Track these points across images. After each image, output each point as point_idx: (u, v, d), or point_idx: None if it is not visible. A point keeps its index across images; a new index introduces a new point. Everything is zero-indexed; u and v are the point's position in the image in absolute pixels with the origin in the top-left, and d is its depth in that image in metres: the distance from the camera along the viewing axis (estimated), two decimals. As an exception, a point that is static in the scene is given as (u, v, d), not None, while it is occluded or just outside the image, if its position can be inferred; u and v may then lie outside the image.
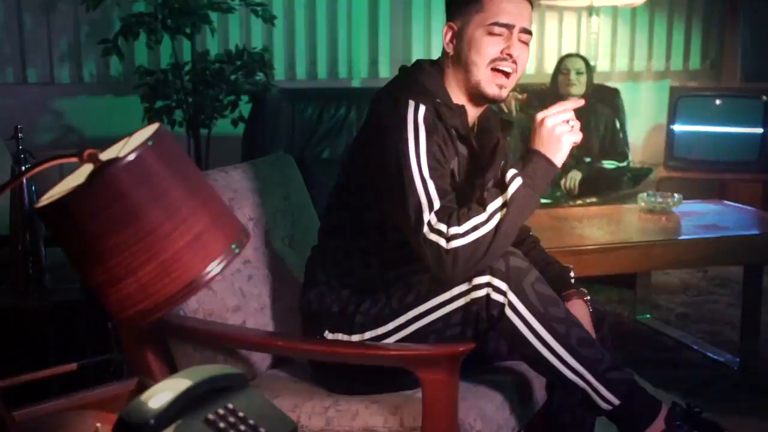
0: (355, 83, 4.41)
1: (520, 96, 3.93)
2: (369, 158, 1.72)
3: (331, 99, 3.93)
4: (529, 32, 1.75)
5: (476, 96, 1.76)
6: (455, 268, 1.61)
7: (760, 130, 4.28)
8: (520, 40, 1.73)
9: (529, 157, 1.67)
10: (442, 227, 1.61)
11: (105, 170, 1.11)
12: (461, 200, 1.69)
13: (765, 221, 3.21)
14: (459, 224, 1.61)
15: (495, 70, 1.72)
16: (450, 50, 1.76)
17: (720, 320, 3.50)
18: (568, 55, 4.10)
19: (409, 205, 1.63)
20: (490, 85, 1.73)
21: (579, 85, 3.96)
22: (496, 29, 1.71)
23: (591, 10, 4.45)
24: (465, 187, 1.77)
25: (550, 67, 4.53)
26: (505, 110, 3.92)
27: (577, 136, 1.66)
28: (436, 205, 1.62)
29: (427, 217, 1.62)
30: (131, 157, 1.12)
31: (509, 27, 1.72)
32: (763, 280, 3.07)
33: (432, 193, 1.63)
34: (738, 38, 4.82)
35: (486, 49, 1.71)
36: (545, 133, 1.66)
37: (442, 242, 1.60)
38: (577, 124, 1.67)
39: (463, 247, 1.60)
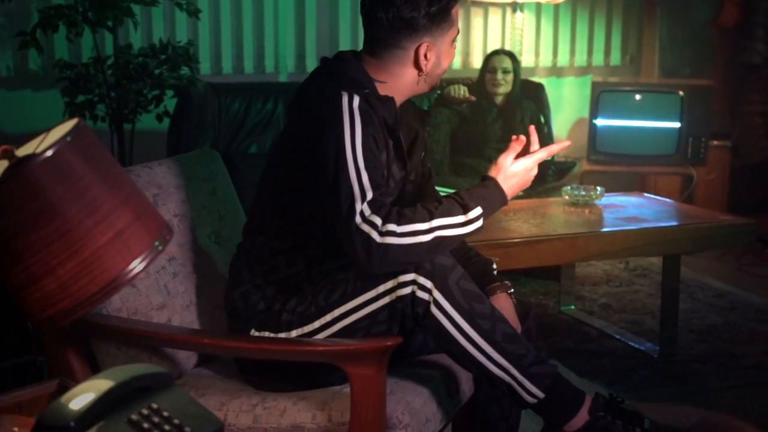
0: (282, 78, 4.38)
1: (472, 98, 3.97)
2: (303, 153, 1.71)
3: (258, 93, 3.90)
4: None
5: (423, 93, 1.84)
6: (382, 263, 1.62)
7: (677, 125, 4.42)
8: None
9: (494, 197, 1.74)
10: (377, 220, 1.62)
11: (21, 167, 1.08)
12: (384, 193, 1.70)
13: (683, 213, 3.32)
14: (398, 223, 1.62)
15: None
16: (426, 68, 1.76)
17: (641, 310, 3.60)
18: (495, 53, 4.09)
19: (342, 193, 1.63)
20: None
21: (506, 84, 4.00)
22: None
23: (515, 6, 4.51)
24: (388, 180, 1.77)
25: (475, 62, 4.59)
26: (456, 103, 3.97)
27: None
28: (369, 195, 1.63)
29: (359, 206, 1.62)
30: (49, 153, 1.09)
31: None
32: (681, 271, 3.17)
33: (365, 183, 1.64)
34: (656, 35, 4.96)
35: (452, 57, 1.81)
36: (520, 183, 1.78)
37: (374, 235, 1.61)
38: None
39: (395, 245, 1.61)
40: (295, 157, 1.74)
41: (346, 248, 1.66)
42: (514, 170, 1.77)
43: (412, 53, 1.74)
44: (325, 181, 1.66)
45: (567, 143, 1.87)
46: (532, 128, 1.86)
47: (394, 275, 1.66)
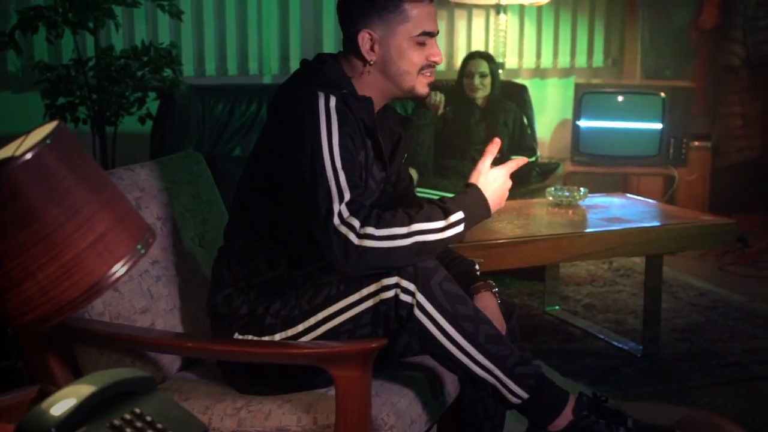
0: (266, 80, 4.37)
1: (440, 111, 4.02)
2: (281, 153, 1.71)
3: (242, 95, 3.89)
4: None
5: (405, 96, 1.82)
6: (359, 266, 1.63)
7: (659, 126, 4.44)
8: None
9: (478, 203, 1.73)
10: (355, 222, 1.62)
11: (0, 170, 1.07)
12: (363, 194, 1.69)
13: (665, 213, 3.33)
14: (377, 227, 1.62)
15: (422, 74, 1.78)
16: (372, 58, 1.75)
17: (624, 309, 3.62)
18: (471, 57, 4.08)
19: (320, 194, 1.63)
20: (423, 87, 1.80)
21: (484, 88, 4.01)
22: (423, 38, 1.76)
23: (498, 8, 4.53)
24: (367, 181, 1.77)
25: (459, 64, 4.59)
26: (432, 110, 4.00)
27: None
28: (347, 196, 1.63)
29: (337, 207, 1.62)
30: (28, 156, 1.08)
31: (433, 35, 1.78)
32: (663, 270, 3.19)
33: (343, 184, 1.64)
34: (638, 37, 5.00)
35: (418, 58, 1.76)
36: (502, 190, 1.77)
37: (352, 237, 1.61)
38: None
39: (373, 249, 1.61)
40: (273, 157, 1.73)
41: (323, 249, 1.66)
42: (493, 175, 1.77)
43: (355, 41, 1.75)
44: (302, 182, 1.66)
45: (525, 160, 1.88)
46: (525, 160, 1.87)
47: (378, 278, 1.66)
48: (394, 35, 1.74)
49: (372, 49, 1.75)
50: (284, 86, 1.80)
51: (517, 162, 1.83)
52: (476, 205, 1.73)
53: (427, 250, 1.66)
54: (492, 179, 1.76)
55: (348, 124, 1.70)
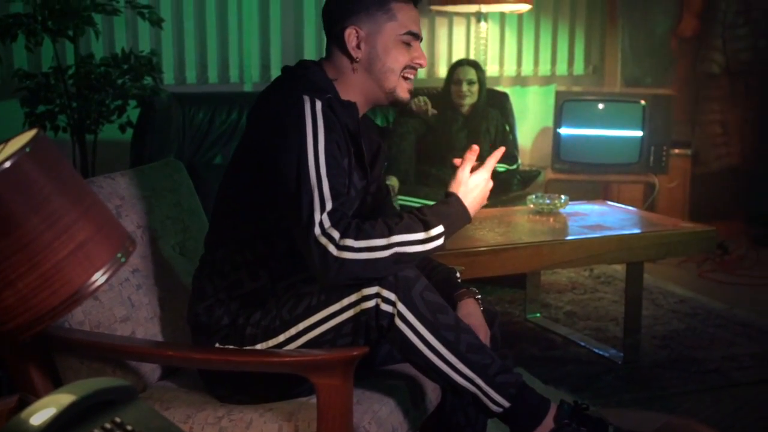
0: (247, 87, 4.37)
1: (434, 111, 4.04)
2: (264, 159, 1.70)
3: (223, 103, 3.89)
4: None
5: (387, 101, 1.80)
6: (338, 276, 1.62)
7: (639, 133, 4.48)
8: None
9: (458, 213, 1.73)
10: (335, 234, 1.61)
11: (-22, 179, 1.06)
12: (345, 203, 1.69)
13: (645, 221, 3.36)
14: (355, 238, 1.61)
15: (404, 77, 1.79)
16: (358, 56, 1.76)
17: (605, 317, 3.64)
18: (460, 64, 4.10)
19: (302, 203, 1.63)
20: (404, 91, 1.80)
21: (471, 96, 4.02)
22: (408, 39, 1.77)
23: (479, 16, 4.55)
24: (349, 189, 1.77)
25: (440, 72, 4.61)
26: (420, 114, 4.01)
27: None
28: (329, 206, 1.63)
29: (319, 217, 1.62)
30: (7, 164, 1.08)
31: (418, 37, 1.79)
32: (644, 278, 3.21)
33: (326, 192, 1.63)
34: (618, 45, 5.04)
35: (402, 58, 1.77)
36: (483, 194, 1.78)
37: (332, 248, 1.61)
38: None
39: (352, 261, 1.61)
40: (256, 164, 1.72)
41: (304, 257, 1.65)
42: (474, 182, 1.77)
43: (341, 38, 1.75)
44: (286, 189, 1.65)
45: (503, 150, 1.86)
46: (501, 149, 1.84)
47: (358, 288, 1.65)
48: (381, 33, 1.75)
49: (358, 46, 1.75)
50: (266, 92, 1.79)
51: (495, 158, 1.81)
52: (456, 216, 1.73)
53: (406, 261, 1.67)
54: (473, 186, 1.77)
55: (334, 129, 1.69)
